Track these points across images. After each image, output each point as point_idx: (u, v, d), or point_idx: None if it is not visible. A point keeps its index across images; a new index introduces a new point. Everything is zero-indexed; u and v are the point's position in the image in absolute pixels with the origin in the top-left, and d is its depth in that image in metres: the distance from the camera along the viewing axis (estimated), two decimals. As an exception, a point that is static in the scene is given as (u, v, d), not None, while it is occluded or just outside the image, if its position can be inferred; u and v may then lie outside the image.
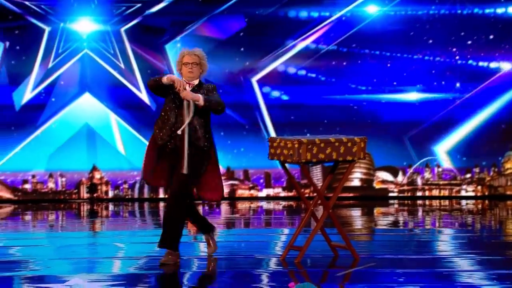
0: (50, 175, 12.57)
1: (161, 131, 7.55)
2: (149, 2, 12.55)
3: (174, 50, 12.54)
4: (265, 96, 12.70)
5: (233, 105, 12.40)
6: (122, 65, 12.59)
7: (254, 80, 12.68)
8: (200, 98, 7.41)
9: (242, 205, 12.45)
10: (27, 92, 12.40)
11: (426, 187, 12.97)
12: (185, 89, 7.43)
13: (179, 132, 7.37)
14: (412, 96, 12.75)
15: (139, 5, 12.50)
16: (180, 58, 7.60)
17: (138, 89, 12.62)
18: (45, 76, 12.50)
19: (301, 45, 12.66)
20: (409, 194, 12.96)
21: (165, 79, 7.37)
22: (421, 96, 12.74)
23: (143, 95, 12.62)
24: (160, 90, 7.52)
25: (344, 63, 12.73)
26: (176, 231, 7.60)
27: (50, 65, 12.45)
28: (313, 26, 12.62)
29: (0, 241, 9.66)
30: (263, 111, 12.69)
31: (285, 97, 12.78)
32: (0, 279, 7.32)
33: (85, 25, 12.48)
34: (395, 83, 12.81)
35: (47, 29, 12.39)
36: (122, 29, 12.56)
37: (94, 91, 12.57)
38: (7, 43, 12.33)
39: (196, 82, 7.59)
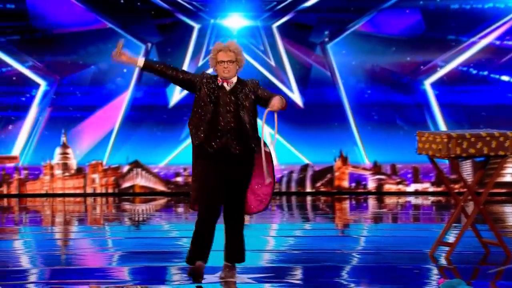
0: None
1: (198, 129, 6.74)
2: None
3: (336, 49, 12.50)
4: (437, 96, 12.47)
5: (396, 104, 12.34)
6: (272, 62, 12.67)
7: (427, 83, 12.48)
8: (283, 103, 6.66)
9: (389, 200, 12.34)
10: (175, 92, 12.66)
11: None
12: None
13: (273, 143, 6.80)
14: None
15: (290, 0, 12.51)
16: (214, 54, 6.75)
17: (289, 88, 12.64)
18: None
19: (482, 42, 12.37)
20: None
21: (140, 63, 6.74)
22: None
23: (295, 95, 12.61)
24: (181, 83, 6.83)
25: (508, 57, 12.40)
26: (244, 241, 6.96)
27: (200, 62, 12.68)
28: (495, 20, 12.30)
29: (155, 232, 9.92)
30: (433, 111, 12.48)
31: (458, 97, 12.51)
32: (155, 269, 7.53)
33: (235, 21, 12.65)
34: None
35: (196, 26, 12.62)
36: (273, 25, 12.62)
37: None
38: (149, 45, 12.59)
39: (234, 80, 6.78)
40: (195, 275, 6.78)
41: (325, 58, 12.54)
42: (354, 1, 12.44)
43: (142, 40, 12.53)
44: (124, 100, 12.60)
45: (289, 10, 12.55)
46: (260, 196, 7.00)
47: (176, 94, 12.68)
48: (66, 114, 12.57)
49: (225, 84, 6.73)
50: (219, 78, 6.75)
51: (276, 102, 6.58)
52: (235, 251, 6.93)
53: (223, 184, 6.75)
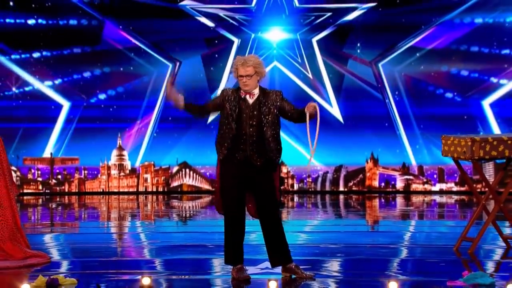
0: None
1: (222, 145, 6.54)
2: (341, 11, 12.39)
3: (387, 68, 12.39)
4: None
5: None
6: (310, 75, 12.58)
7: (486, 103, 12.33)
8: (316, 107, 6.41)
9: (416, 199, 12.21)
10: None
11: None
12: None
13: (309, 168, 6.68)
14: None
15: (329, 14, 12.41)
16: (234, 68, 6.46)
17: (328, 102, 12.52)
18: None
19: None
20: None
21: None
22: None
23: (334, 110, 12.50)
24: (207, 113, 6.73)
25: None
26: (286, 243, 6.75)
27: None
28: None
29: (202, 228, 9.92)
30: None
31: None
32: (200, 261, 7.51)
33: (275, 35, 12.59)
34: None
35: (237, 40, 12.57)
36: (313, 39, 12.51)
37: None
38: (178, 63, 12.52)
39: (256, 91, 6.49)
40: (240, 279, 6.65)
41: (377, 73, 12.37)
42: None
43: (171, 59, 12.50)
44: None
45: (328, 25, 12.44)
46: None
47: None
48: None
49: (247, 97, 6.47)
50: (241, 91, 6.51)
51: (310, 106, 6.38)
52: (282, 254, 6.71)
53: (244, 195, 6.59)
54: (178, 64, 12.54)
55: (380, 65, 12.38)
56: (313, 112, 6.42)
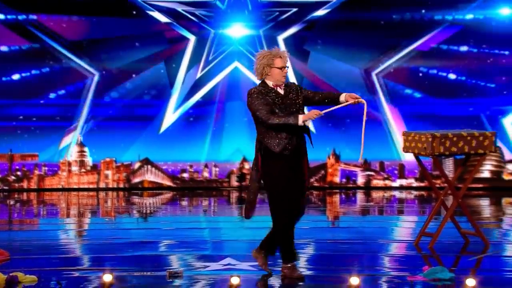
0: (206, 165, 12.78)
1: (276, 138, 6.51)
2: (308, 7, 12.35)
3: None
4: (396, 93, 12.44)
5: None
6: None
7: (384, 78, 12.46)
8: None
9: (376, 194, 12.29)
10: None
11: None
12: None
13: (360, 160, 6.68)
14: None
15: (294, 9, 12.39)
16: (269, 60, 6.51)
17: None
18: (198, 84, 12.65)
19: (433, 46, 12.36)
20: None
21: (301, 122, 6.45)
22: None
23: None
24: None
25: (474, 63, 12.36)
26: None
27: (199, 74, 12.58)
28: (445, 28, 12.30)
29: (163, 224, 9.89)
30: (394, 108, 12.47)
31: (417, 95, 12.52)
32: (158, 258, 7.48)
33: (237, 31, 12.55)
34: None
35: (195, 37, 12.52)
36: (278, 37, 12.48)
37: (244, 98, 12.60)
38: (99, 73, 12.44)
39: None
40: (294, 277, 6.60)
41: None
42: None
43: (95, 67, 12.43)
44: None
45: (294, 21, 12.43)
46: None
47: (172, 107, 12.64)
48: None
49: (279, 89, 6.58)
50: (270, 85, 6.56)
51: (351, 95, 6.52)
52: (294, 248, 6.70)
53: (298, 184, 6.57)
54: (101, 73, 12.43)
55: (344, 63, 12.41)
56: (354, 104, 6.55)
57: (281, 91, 6.58)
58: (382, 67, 12.46)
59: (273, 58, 6.50)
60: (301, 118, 6.44)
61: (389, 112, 12.52)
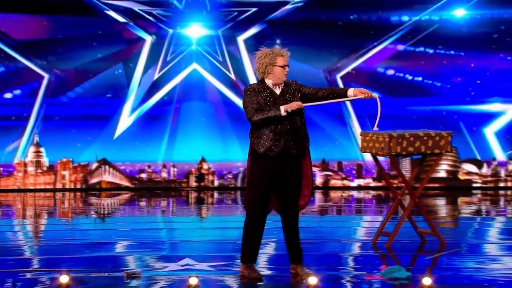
0: (164, 166, 12.73)
1: (261, 138, 6.54)
2: (268, 7, 12.33)
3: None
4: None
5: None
6: (232, 75, 12.53)
7: (342, 78, 12.54)
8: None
9: (335, 194, 12.36)
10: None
11: (509, 179, 12.62)
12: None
13: (375, 128, 6.57)
14: (495, 102, 12.44)
15: (254, 9, 12.36)
16: (271, 59, 6.52)
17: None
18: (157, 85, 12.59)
19: (390, 46, 12.47)
20: (492, 185, 12.64)
21: (283, 112, 6.44)
22: (504, 104, 12.42)
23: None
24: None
25: (430, 63, 12.49)
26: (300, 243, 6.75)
27: (156, 75, 12.52)
28: (402, 29, 12.41)
29: (121, 225, 9.83)
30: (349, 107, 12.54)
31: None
32: (116, 259, 7.43)
33: (195, 31, 12.51)
34: (479, 81, 12.50)
35: (152, 37, 12.46)
36: (238, 37, 12.45)
37: (203, 99, 12.60)
38: (47, 76, 12.34)
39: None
40: (251, 277, 6.60)
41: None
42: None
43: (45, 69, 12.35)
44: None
45: (254, 21, 12.43)
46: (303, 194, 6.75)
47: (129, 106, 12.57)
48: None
49: (276, 88, 6.56)
50: (269, 83, 6.56)
51: (361, 90, 6.55)
52: (299, 250, 6.71)
53: (274, 189, 6.56)
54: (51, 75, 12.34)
55: (303, 63, 12.45)
56: (364, 99, 6.56)
57: (278, 91, 6.57)
58: (341, 67, 12.52)
59: (275, 56, 6.52)
60: (282, 108, 6.44)
61: (348, 112, 12.59)
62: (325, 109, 12.36)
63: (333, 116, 12.47)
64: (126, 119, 12.58)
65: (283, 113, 6.43)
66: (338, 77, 12.56)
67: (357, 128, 12.47)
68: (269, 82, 6.57)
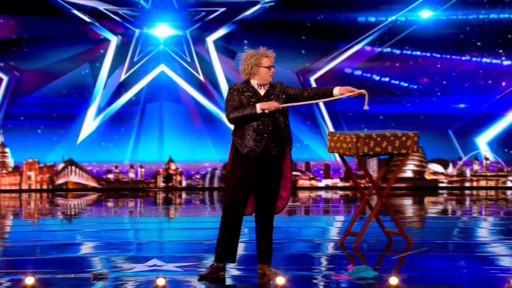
0: (131, 166, 12.67)
1: (244, 138, 6.52)
2: (233, 8, 12.31)
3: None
4: None
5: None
6: (201, 76, 12.50)
7: (312, 79, 12.58)
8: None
9: (302, 194, 12.39)
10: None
11: (474, 179, 12.74)
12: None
13: (365, 107, 6.55)
14: (460, 102, 12.55)
15: (222, 9, 12.33)
16: (257, 61, 6.51)
17: (219, 105, 12.50)
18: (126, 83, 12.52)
19: (357, 47, 12.53)
20: (458, 185, 12.75)
21: (259, 110, 6.44)
22: (469, 102, 12.53)
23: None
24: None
25: (397, 64, 12.57)
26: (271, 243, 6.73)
27: (123, 76, 12.44)
28: (369, 30, 12.48)
29: (88, 225, 9.76)
30: (321, 107, 12.58)
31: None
32: (82, 260, 7.38)
33: (162, 31, 12.46)
34: (445, 82, 12.60)
35: (116, 38, 12.39)
36: (207, 37, 12.40)
37: (171, 98, 12.55)
38: (6, 78, 12.27)
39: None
40: (209, 273, 6.59)
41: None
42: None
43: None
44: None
45: (222, 22, 12.40)
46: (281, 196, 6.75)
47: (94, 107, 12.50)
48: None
49: (261, 89, 6.56)
50: (254, 84, 6.56)
51: (347, 88, 6.57)
52: (269, 250, 6.69)
53: (253, 189, 6.55)
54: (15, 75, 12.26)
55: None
56: (352, 96, 6.59)
57: (262, 92, 6.57)
58: (310, 68, 12.55)
59: (260, 57, 6.53)
60: (258, 106, 6.44)
61: (316, 112, 12.62)
62: (291, 109, 12.35)
63: (301, 116, 12.49)
64: (92, 120, 12.49)
65: (258, 110, 6.43)
66: (303, 77, 12.58)
67: (325, 128, 12.51)
68: (254, 82, 6.58)
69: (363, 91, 6.62)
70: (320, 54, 12.52)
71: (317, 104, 12.26)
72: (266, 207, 6.64)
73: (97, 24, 12.30)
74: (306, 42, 12.46)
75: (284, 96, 6.60)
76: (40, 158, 12.47)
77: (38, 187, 12.49)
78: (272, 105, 6.46)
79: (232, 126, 6.65)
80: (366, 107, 6.65)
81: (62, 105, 12.44)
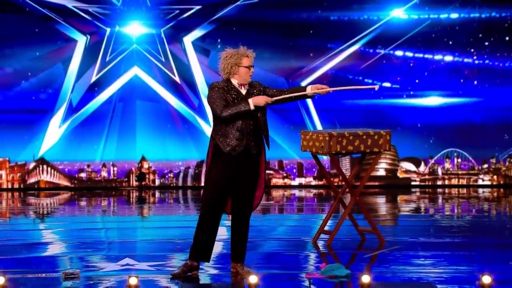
0: (104, 165, 12.59)
1: (227, 137, 6.53)
2: (208, 6, 12.27)
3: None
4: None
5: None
6: (176, 77, 12.44)
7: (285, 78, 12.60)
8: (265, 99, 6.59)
9: (276, 193, 12.39)
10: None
11: (446, 177, 12.81)
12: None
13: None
14: (433, 100, 12.61)
15: (198, 7, 12.27)
16: (237, 60, 6.52)
17: (197, 108, 12.46)
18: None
19: (330, 45, 12.55)
20: (430, 183, 12.82)
21: (252, 106, 6.47)
22: (442, 100, 12.60)
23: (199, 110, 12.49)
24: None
25: (370, 63, 12.61)
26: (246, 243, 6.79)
27: (94, 78, 12.37)
28: (342, 29, 12.51)
29: (61, 225, 9.69)
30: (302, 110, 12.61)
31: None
32: (53, 259, 7.32)
33: (135, 29, 12.39)
34: (417, 80, 12.66)
35: (87, 36, 12.30)
36: (184, 37, 12.35)
37: (144, 97, 12.50)
38: None
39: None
40: (182, 272, 6.57)
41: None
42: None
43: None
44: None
45: (196, 20, 12.35)
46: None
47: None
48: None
49: (242, 89, 6.57)
50: (235, 83, 6.55)
51: (317, 86, 6.65)
52: (243, 249, 6.72)
53: (231, 187, 6.56)
54: None
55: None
56: (322, 94, 6.66)
57: (243, 91, 6.58)
58: (285, 67, 12.55)
59: (240, 57, 6.53)
60: (251, 102, 6.46)
61: (290, 110, 12.63)
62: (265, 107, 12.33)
63: (274, 114, 12.49)
64: (65, 119, 12.41)
65: (252, 107, 6.46)
66: (273, 73, 12.60)
67: (298, 126, 12.53)
68: (235, 82, 6.58)
69: (329, 89, 6.70)
70: (293, 53, 12.51)
71: (294, 102, 12.29)
72: (243, 206, 6.64)
73: (65, 23, 12.18)
74: (280, 41, 12.45)
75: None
76: (11, 157, 12.37)
77: (10, 186, 12.38)
78: (264, 99, 6.50)
79: (211, 125, 6.64)
80: (376, 87, 6.75)
81: (33, 104, 12.34)
